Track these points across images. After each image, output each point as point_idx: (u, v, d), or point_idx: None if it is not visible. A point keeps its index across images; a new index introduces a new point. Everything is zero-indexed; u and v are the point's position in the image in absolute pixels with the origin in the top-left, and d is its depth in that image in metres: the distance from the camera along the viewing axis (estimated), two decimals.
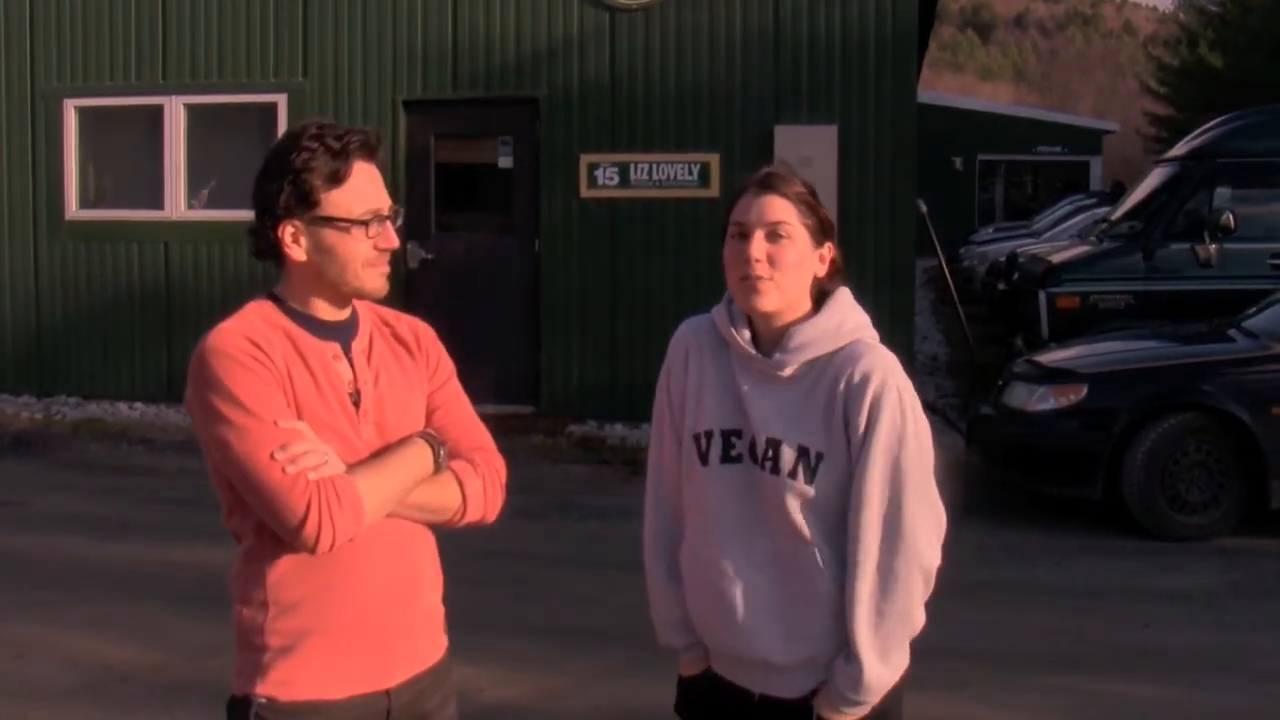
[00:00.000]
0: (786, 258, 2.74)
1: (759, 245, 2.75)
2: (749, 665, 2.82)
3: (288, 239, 2.61)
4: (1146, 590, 7.48)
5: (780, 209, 2.76)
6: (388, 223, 2.66)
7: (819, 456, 2.71)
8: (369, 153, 2.64)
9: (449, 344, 2.90)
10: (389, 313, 2.84)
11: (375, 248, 2.64)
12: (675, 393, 2.92)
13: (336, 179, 2.59)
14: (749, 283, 2.75)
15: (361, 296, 2.71)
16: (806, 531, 2.72)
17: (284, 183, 2.58)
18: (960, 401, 12.43)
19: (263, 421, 2.48)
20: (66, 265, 12.98)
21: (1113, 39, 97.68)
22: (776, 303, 2.76)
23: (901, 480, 2.68)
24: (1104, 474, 8.49)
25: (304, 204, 2.59)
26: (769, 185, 2.78)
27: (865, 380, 2.69)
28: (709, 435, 2.82)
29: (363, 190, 2.62)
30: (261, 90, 12.53)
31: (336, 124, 2.64)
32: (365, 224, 2.62)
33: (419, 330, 2.85)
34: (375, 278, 2.66)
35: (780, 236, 2.75)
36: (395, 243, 2.68)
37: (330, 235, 2.61)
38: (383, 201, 2.65)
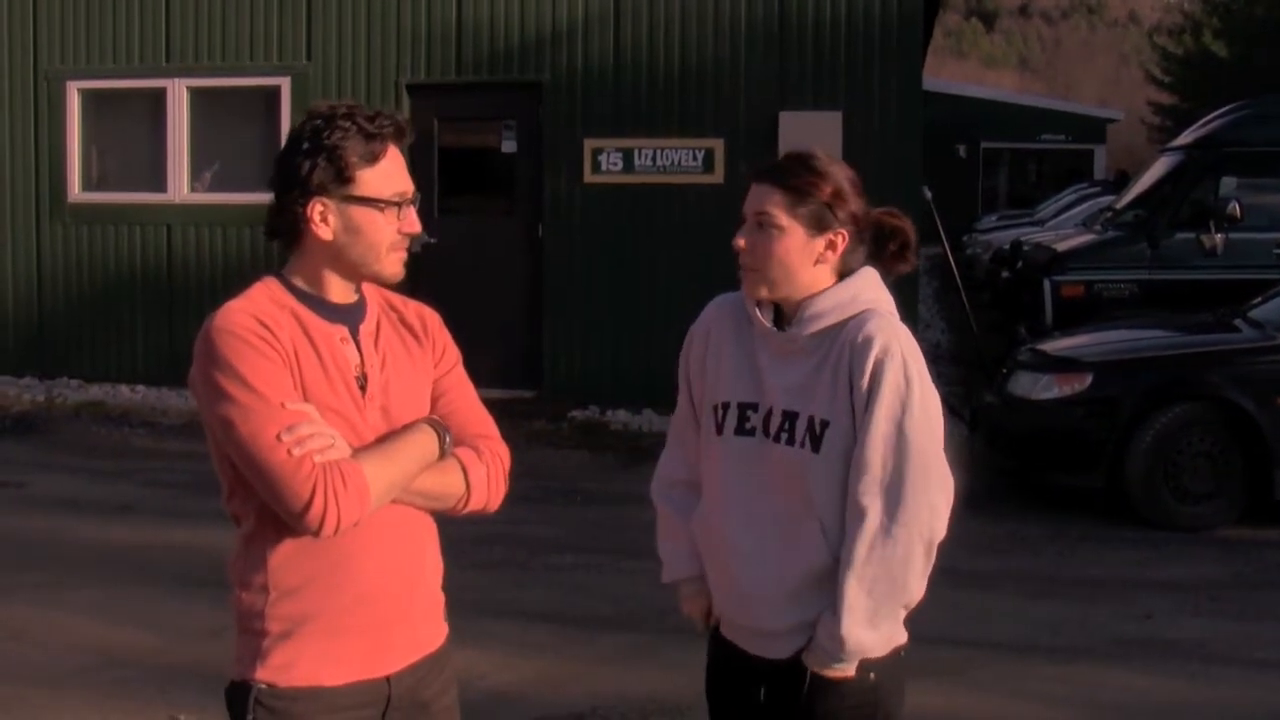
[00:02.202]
0: (768, 248, 2.78)
1: (744, 235, 2.81)
2: (747, 631, 2.87)
3: (316, 216, 2.59)
4: (1149, 580, 7.46)
5: (764, 199, 2.79)
6: (411, 207, 2.66)
7: (824, 424, 2.73)
8: (399, 136, 2.64)
9: (451, 329, 2.89)
10: (396, 297, 2.83)
11: (399, 231, 2.64)
12: (694, 367, 2.98)
13: (372, 159, 2.59)
14: (742, 271, 2.83)
15: (378, 281, 2.70)
16: (812, 501, 2.75)
17: (318, 159, 2.56)
18: (964, 390, 12.41)
19: (269, 402, 2.46)
20: (69, 248, 12.96)
21: (1117, 27, 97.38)
22: (764, 291, 2.82)
23: (904, 446, 2.69)
24: (1107, 463, 8.47)
25: (338, 181, 2.57)
26: (762, 174, 2.83)
27: (868, 344, 2.71)
28: (725, 407, 2.87)
29: (392, 173, 2.62)
30: (265, 74, 12.51)
31: (365, 106, 2.63)
32: (397, 206, 2.62)
33: (426, 316, 2.83)
34: (395, 263, 2.66)
35: (762, 227, 2.79)
36: (418, 227, 2.68)
37: (360, 215, 2.60)
38: (408, 185, 2.66)
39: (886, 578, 2.70)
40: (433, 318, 2.84)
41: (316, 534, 2.47)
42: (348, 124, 2.57)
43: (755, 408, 2.82)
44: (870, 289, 2.82)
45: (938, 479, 2.73)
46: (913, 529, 2.69)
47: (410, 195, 2.66)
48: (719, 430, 2.87)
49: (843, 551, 2.71)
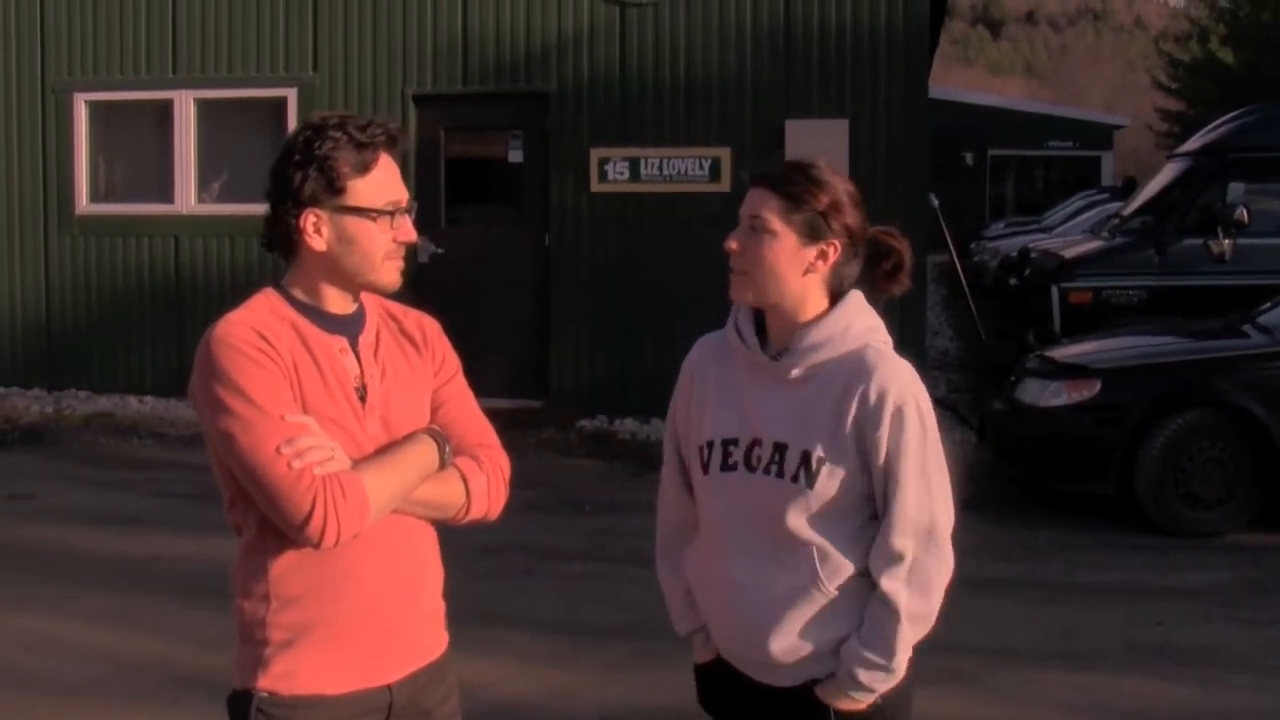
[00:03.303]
0: (758, 252, 2.75)
1: (736, 237, 2.78)
2: (748, 662, 2.86)
3: (309, 228, 2.59)
4: (1160, 587, 7.44)
5: (759, 203, 2.77)
6: (406, 216, 2.65)
7: (820, 460, 2.71)
8: (392, 145, 2.63)
9: (459, 338, 2.89)
10: (395, 307, 2.82)
11: (394, 240, 2.62)
12: (679, 414, 2.98)
13: (363, 168, 2.58)
14: (731, 276, 2.80)
15: (375, 290, 2.69)
16: (802, 534, 2.73)
17: (309, 170, 2.56)
18: (972, 397, 12.39)
19: (269, 415, 2.46)
20: (77, 259, 12.98)
21: (1124, 34, 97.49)
22: (750, 297, 2.80)
23: (929, 488, 2.71)
24: (1117, 470, 8.45)
25: (329, 192, 2.57)
26: (760, 178, 2.80)
27: (883, 397, 2.69)
28: (710, 446, 2.85)
29: (384, 182, 2.61)
30: (271, 84, 12.54)
31: (358, 115, 2.63)
32: (390, 215, 2.61)
33: (425, 325, 2.83)
34: (392, 271, 2.65)
35: (755, 230, 2.76)
36: (414, 236, 2.67)
37: (353, 225, 2.59)
38: (402, 194, 2.65)
39: (926, 612, 2.73)
40: (432, 327, 2.84)
41: (317, 546, 2.47)
42: (339, 134, 2.57)
43: (736, 442, 2.80)
44: (861, 316, 2.79)
45: (950, 511, 2.77)
46: (944, 563, 2.74)
47: (405, 204, 2.65)
48: (705, 469, 2.85)
49: (880, 589, 2.71)
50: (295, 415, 2.49)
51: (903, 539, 2.70)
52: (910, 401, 2.70)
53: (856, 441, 2.70)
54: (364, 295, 2.72)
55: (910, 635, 2.72)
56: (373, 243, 2.60)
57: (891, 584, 2.70)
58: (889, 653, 2.70)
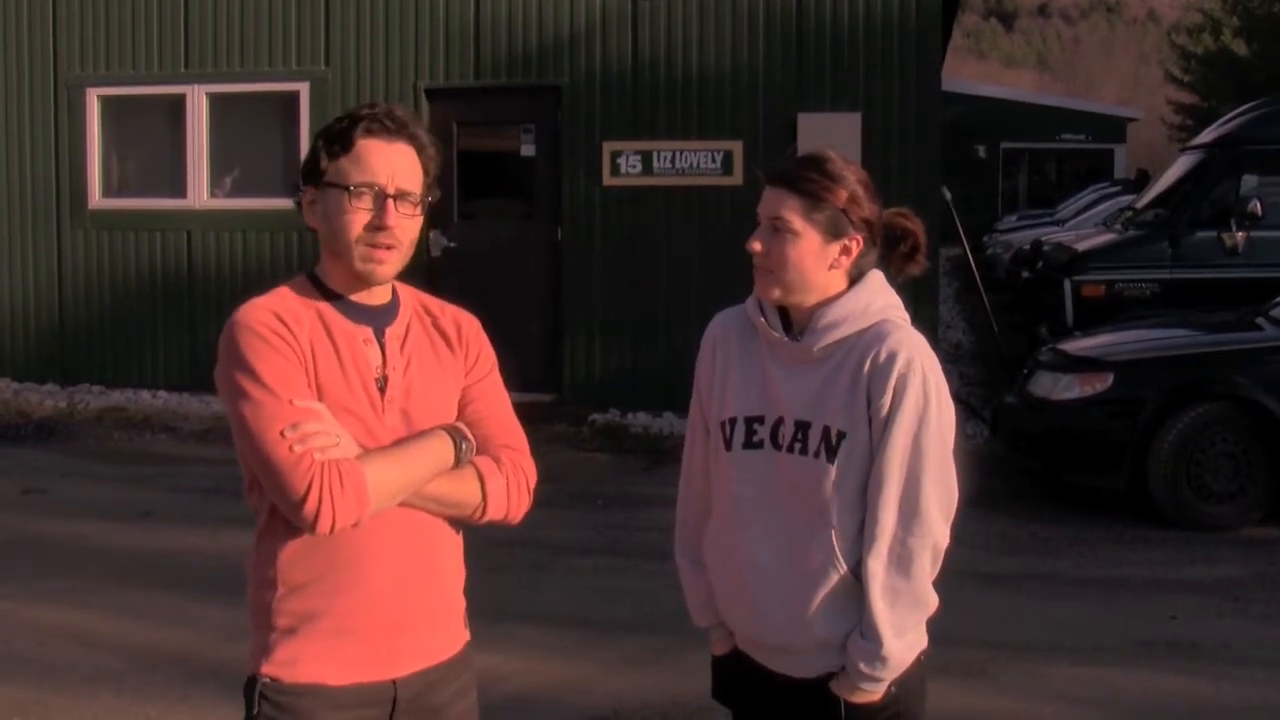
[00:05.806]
0: (783, 252, 2.76)
1: (759, 237, 2.79)
2: (766, 647, 2.86)
3: (306, 204, 2.64)
4: (1172, 581, 7.43)
5: (779, 204, 2.77)
6: (389, 203, 2.57)
7: (840, 435, 2.72)
8: (386, 130, 2.59)
9: None
10: (434, 302, 2.81)
11: (369, 225, 2.57)
12: (704, 385, 2.96)
13: (342, 147, 2.59)
14: (756, 272, 2.81)
15: (356, 276, 2.62)
16: (828, 513, 2.73)
17: (311, 149, 2.64)
18: (985, 390, 12.38)
19: (278, 398, 2.47)
20: (90, 254, 13.01)
21: (1136, 26, 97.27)
22: (778, 293, 2.80)
23: (920, 460, 2.70)
24: (1129, 464, 8.44)
25: (313, 170, 2.62)
26: (776, 177, 2.80)
27: (891, 360, 2.70)
28: (733, 422, 2.84)
29: (368, 164, 2.57)
30: (283, 79, 12.55)
31: (383, 105, 2.64)
32: (347, 190, 2.56)
33: (462, 322, 2.81)
34: (363, 259, 2.59)
35: (777, 231, 2.77)
36: (388, 224, 2.57)
37: (330, 201, 2.60)
38: (386, 179, 2.57)
39: (908, 591, 2.71)
40: (469, 324, 2.82)
41: (312, 530, 2.47)
42: (346, 116, 2.62)
43: (761, 420, 2.80)
44: (881, 295, 2.81)
45: (948, 490, 2.75)
46: (926, 539, 2.71)
47: (390, 189, 2.57)
48: (727, 446, 2.85)
49: (863, 566, 2.71)
50: (305, 400, 2.49)
51: (884, 511, 2.69)
52: (917, 370, 2.69)
53: (870, 413, 2.71)
54: (401, 289, 2.73)
55: (890, 614, 2.70)
56: (341, 220, 2.57)
57: (870, 560, 2.71)
58: (874, 635, 2.70)
